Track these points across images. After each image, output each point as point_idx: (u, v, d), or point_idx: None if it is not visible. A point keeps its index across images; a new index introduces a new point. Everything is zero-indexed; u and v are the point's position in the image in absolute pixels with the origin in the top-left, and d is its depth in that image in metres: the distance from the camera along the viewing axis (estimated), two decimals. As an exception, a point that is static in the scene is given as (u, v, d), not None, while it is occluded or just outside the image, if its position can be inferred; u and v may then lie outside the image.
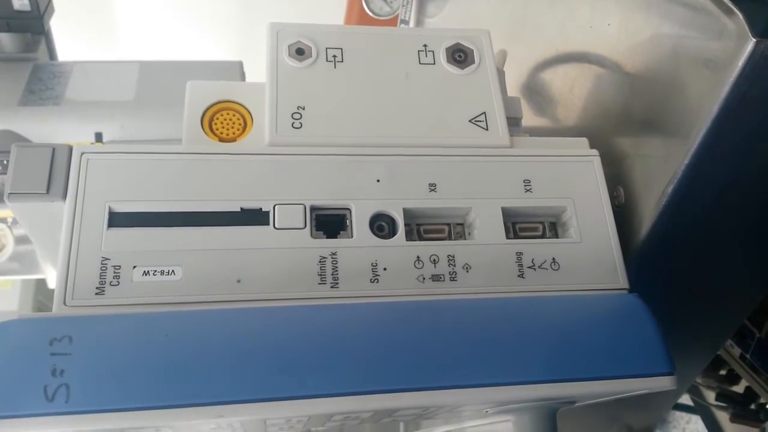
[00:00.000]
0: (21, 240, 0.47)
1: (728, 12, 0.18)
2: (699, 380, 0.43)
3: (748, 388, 0.41)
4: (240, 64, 0.39)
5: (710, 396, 0.44)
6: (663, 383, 0.19)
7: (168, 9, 0.92)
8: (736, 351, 0.39)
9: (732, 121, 0.19)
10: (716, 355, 0.41)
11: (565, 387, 0.19)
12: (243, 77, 0.38)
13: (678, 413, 0.76)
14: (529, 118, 0.32)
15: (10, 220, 0.43)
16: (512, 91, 0.33)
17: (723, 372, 0.43)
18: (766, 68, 0.18)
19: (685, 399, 0.53)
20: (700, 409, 0.48)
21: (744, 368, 0.38)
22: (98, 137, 0.36)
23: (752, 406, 0.41)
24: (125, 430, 0.18)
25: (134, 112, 0.37)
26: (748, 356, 0.37)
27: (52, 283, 0.21)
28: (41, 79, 0.38)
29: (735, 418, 0.41)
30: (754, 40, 0.17)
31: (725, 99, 0.19)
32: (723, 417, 0.45)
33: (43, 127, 0.36)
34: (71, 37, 0.56)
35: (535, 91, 0.32)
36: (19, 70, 0.38)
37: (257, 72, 0.26)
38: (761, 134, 0.20)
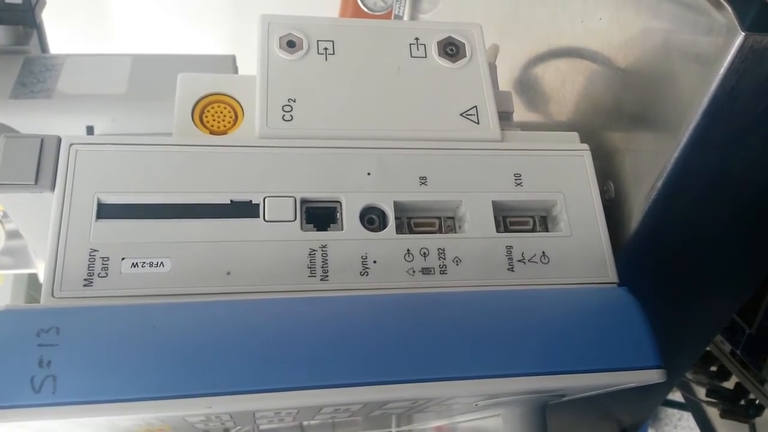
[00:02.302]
0: (13, 234, 0.46)
1: (717, 6, 0.18)
2: (690, 376, 0.44)
3: (738, 384, 0.41)
4: (233, 57, 0.39)
5: (701, 392, 0.44)
6: (652, 376, 0.19)
7: (162, 2, 0.92)
8: (727, 347, 0.39)
9: (721, 115, 0.19)
10: (707, 352, 0.41)
11: (555, 380, 0.19)
12: (236, 71, 0.38)
13: (670, 410, 0.76)
14: (521, 113, 0.32)
15: (0, 213, 0.43)
16: (504, 86, 0.33)
17: (713, 368, 0.43)
18: (755, 62, 0.18)
19: (677, 396, 0.53)
20: (690, 405, 0.49)
21: (734, 364, 0.39)
22: (90, 131, 0.36)
23: (742, 402, 0.41)
24: (112, 421, 0.18)
25: (126, 106, 0.37)
26: (738, 352, 0.37)
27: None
28: (33, 71, 0.38)
29: (725, 414, 0.41)
30: (743, 33, 0.17)
31: (714, 93, 0.19)
32: (713, 413, 0.45)
33: (35, 120, 0.36)
34: (64, 31, 0.56)
35: (527, 86, 0.32)
36: (11, 62, 0.38)
37: (251, 66, 0.26)
38: (750, 128, 0.20)
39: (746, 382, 0.38)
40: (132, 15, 0.92)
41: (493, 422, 0.34)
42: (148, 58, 0.39)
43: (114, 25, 0.93)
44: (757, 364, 0.37)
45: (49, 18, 0.43)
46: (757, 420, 0.41)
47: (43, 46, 0.43)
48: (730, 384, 0.42)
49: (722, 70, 0.18)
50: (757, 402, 0.41)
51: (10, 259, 0.47)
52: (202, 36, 0.94)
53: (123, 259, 0.19)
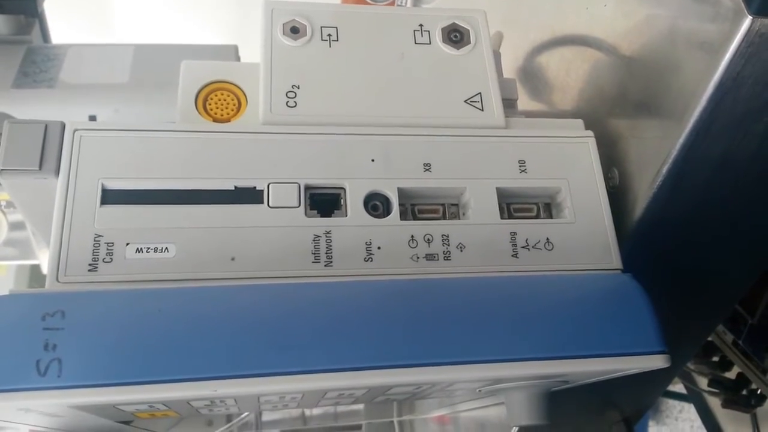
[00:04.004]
0: (16, 226, 0.46)
1: (724, -11, 0.18)
2: (692, 366, 0.44)
3: (740, 374, 0.41)
4: (235, 47, 0.39)
5: (702, 382, 0.44)
6: (656, 361, 0.19)
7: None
8: (729, 337, 0.39)
9: (726, 101, 0.19)
10: (709, 342, 0.41)
11: (559, 364, 0.19)
12: (238, 60, 0.38)
13: (671, 402, 0.77)
14: (526, 102, 0.32)
15: (4, 203, 0.43)
16: (508, 74, 0.33)
17: (715, 358, 0.43)
18: (762, 46, 0.18)
19: (678, 388, 0.54)
20: (692, 395, 0.49)
21: (736, 354, 0.39)
22: (92, 120, 0.36)
23: (743, 392, 0.41)
24: (117, 405, 0.18)
25: (129, 96, 0.37)
26: (740, 342, 0.37)
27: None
28: (35, 61, 0.38)
29: (726, 404, 0.42)
30: (750, 17, 0.17)
31: (720, 78, 0.19)
32: (715, 403, 0.45)
33: (37, 110, 0.36)
34: (64, 22, 0.56)
35: (531, 74, 0.32)
36: (13, 52, 0.38)
37: (252, 58, 0.25)
38: (755, 114, 0.20)
39: (748, 372, 0.38)
40: (133, 6, 0.92)
41: (494, 411, 0.34)
42: (150, 48, 0.39)
43: (115, 16, 0.93)
44: (759, 354, 0.37)
45: (50, 8, 0.43)
46: (759, 410, 0.41)
47: (45, 36, 0.43)
48: (731, 374, 0.42)
49: (728, 55, 0.18)
50: (758, 392, 0.41)
51: (13, 250, 0.47)
52: (203, 29, 0.93)
53: (127, 244, 0.19)
